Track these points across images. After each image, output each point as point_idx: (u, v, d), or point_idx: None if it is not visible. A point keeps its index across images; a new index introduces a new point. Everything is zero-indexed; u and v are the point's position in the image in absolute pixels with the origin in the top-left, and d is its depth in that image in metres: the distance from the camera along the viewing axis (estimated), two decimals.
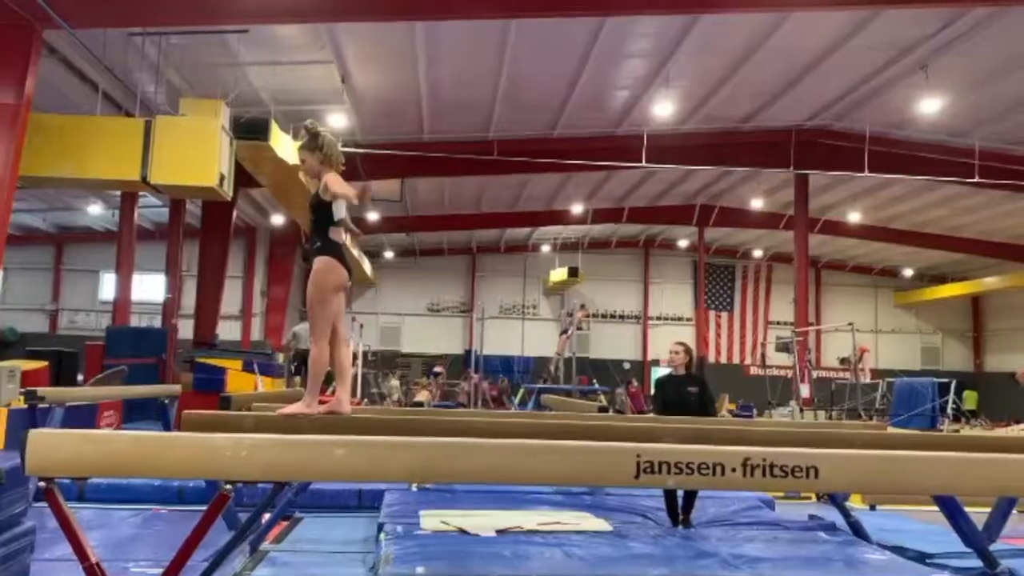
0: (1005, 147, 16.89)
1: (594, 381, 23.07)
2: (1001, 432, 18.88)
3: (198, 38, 12.02)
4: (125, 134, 11.28)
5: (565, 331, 18.73)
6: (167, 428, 9.02)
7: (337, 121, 15.39)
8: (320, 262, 4.50)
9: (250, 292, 25.94)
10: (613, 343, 30.11)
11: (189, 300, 18.90)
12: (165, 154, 11.14)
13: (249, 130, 12.72)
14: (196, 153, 11.33)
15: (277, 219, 23.41)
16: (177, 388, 10.43)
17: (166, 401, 9.64)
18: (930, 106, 14.95)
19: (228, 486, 2.97)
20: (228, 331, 22.95)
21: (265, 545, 5.68)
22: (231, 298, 23.34)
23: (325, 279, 4.50)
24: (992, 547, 5.13)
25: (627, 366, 29.21)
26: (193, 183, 11.57)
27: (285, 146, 13.73)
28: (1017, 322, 28.60)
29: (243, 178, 14.37)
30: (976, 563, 5.20)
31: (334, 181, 4.39)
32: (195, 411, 4.55)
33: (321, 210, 4.55)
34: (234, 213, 17.70)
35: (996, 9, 11.86)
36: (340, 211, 4.57)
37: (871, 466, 3.35)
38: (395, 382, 22.03)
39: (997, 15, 12.02)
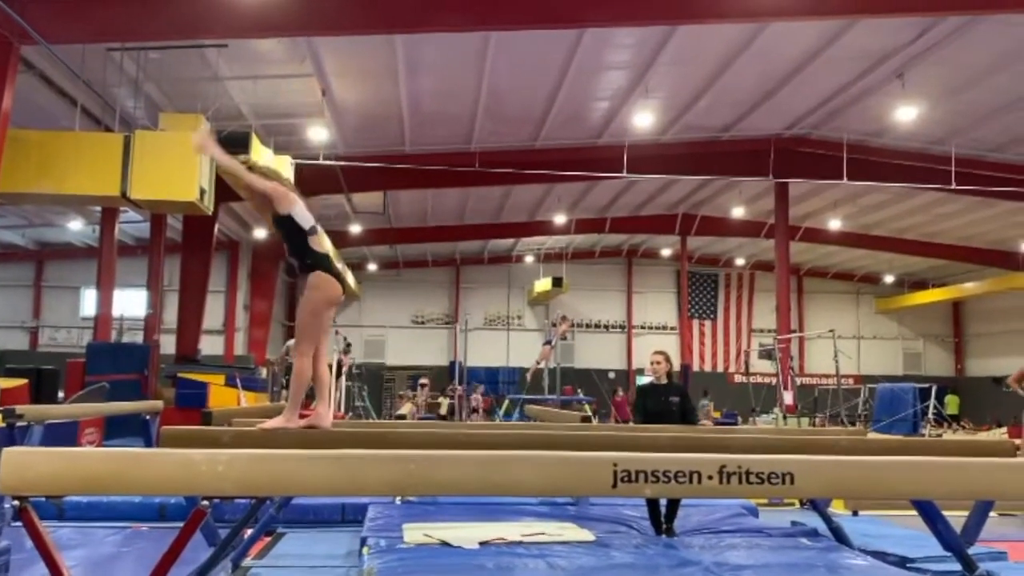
0: (981, 154, 17.10)
1: (579, 391, 23.12)
2: (983, 436, 19.05)
3: (177, 52, 12.00)
4: (104, 149, 11.20)
5: (548, 342, 18.74)
6: (149, 444, 8.96)
7: (318, 134, 15.39)
8: (315, 277, 4.47)
9: (232, 306, 25.79)
10: (598, 353, 30.16)
11: (171, 315, 18.77)
12: (145, 169, 11.07)
13: (230, 144, 12.57)
14: (176, 168, 11.27)
15: (259, 233, 23.33)
16: (159, 404, 10.36)
17: (148, 417, 9.58)
18: (907, 114, 15.10)
19: (205, 502, 2.96)
20: (211, 346, 22.78)
21: (247, 561, 5.65)
22: (213, 312, 23.18)
23: (317, 295, 4.48)
24: (971, 550, 5.17)
25: (612, 375, 29.26)
26: (174, 198, 11.50)
27: (266, 159, 13.71)
28: (997, 326, 28.86)
29: (224, 192, 14.29)
30: (955, 567, 5.22)
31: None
32: (174, 427, 4.54)
33: (287, 226, 4.54)
34: (216, 227, 17.63)
35: (970, 18, 12.04)
36: (306, 219, 4.55)
37: (846, 472, 3.37)
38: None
39: (971, 23, 12.19)
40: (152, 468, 2.82)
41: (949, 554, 5.16)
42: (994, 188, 17.10)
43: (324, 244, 4.68)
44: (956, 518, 5.22)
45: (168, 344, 17.88)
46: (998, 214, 21.34)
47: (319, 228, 4.67)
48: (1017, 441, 10.75)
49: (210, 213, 12.63)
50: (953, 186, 16.58)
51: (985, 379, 27.59)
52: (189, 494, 3.21)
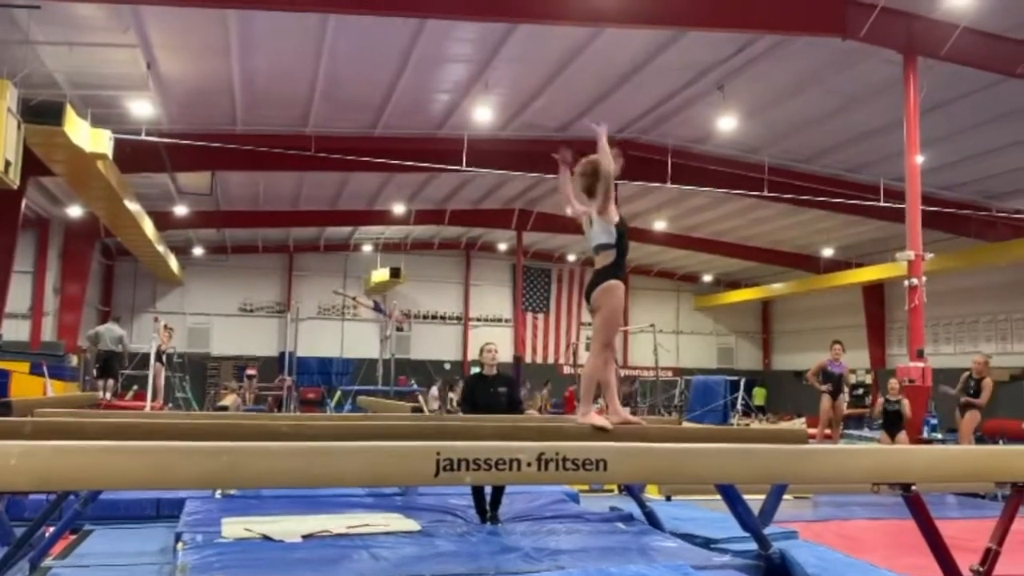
0: (790, 164, 18.47)
1: (413, 382, 23.12)
2: (785, 425, 20.61)
3: None
4: None
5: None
6: None
7: (142, 109, 14.53)
8: (615, 286, 5.10)
9: (41, 289, 23.86)
10: (434, 344, 30.23)
11: None
12: None
13: (40, 114, 11.72)
14: None
15: (73, 211, 21.71)
16: None
17: None
18: (726, 124, 16.07)
19: None
20: (15, 331, 21.01)
21: (47, 561, 5.29)
22: (19, 295, 21.40)
23: (621, 301, 5.16)
24: (766, 530, 5.60)
25: (448, 366, 29.41)
26: None
27: (82, 132, 12.79)
28: (799, 325, 31.27)
29: (34, 166, 13.25)
30: (753, 545, 5.65)
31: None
32: None
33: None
34: (23, 203, 16.28)
35: (783, 38, 12.99)
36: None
37: (654, 459, 3.59)
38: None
39: (785, 43, 13.16)
40: None
41: (748, 534, 5.58)
42: (801, 197, 18.50)
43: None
44: (757, 501, 5.65)
45: None
46: (804, 221, 23.12)
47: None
48: (812, 430, 11.77)
49: (16, 187, 11.65)
50: (765, 193, 17.83)
51: (789, 373, 29.89)
52: None
